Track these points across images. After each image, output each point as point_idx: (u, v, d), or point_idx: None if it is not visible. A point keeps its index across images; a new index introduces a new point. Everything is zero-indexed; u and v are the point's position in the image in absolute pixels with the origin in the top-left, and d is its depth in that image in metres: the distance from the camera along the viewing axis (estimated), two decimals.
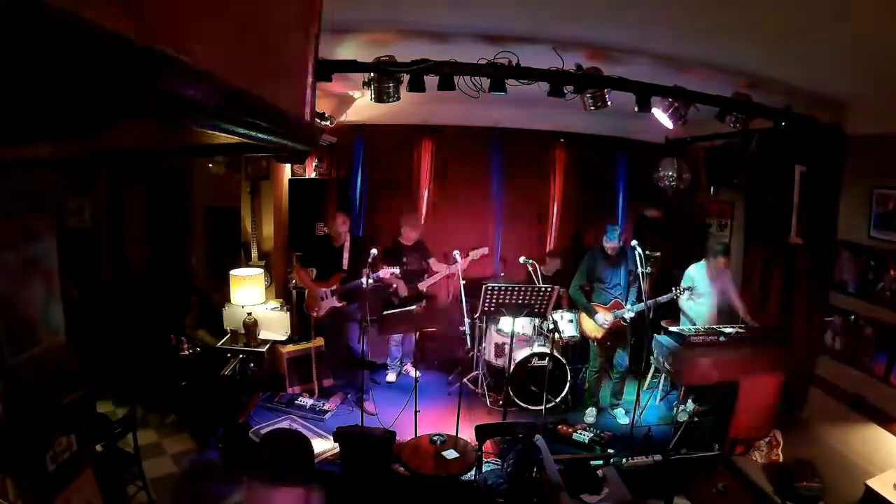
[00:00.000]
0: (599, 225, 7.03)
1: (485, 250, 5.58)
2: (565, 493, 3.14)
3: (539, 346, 5.31)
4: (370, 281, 4.95)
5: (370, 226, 6.57)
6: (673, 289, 4.93)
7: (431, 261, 5.72)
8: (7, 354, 2.50)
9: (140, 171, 5.72)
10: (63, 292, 2.88)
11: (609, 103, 3.74)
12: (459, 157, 6.63)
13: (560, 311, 5.61)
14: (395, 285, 5.45)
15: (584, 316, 5.11)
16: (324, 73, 3.18)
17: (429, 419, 4.63)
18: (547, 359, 4.79)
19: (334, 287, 5.15)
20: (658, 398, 5.46)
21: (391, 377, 5.86)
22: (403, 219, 5.71)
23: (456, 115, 6.04)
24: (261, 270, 5.51)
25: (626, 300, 4.94)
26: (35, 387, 2.66)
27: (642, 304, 4.84)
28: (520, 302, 4.55)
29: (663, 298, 4.94)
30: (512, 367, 4.95)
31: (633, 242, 4.79)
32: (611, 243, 4.93)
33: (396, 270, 5.19)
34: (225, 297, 5.47)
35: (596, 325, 4.97)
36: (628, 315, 4.89)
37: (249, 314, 5.29)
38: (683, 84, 3.83)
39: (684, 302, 5.18)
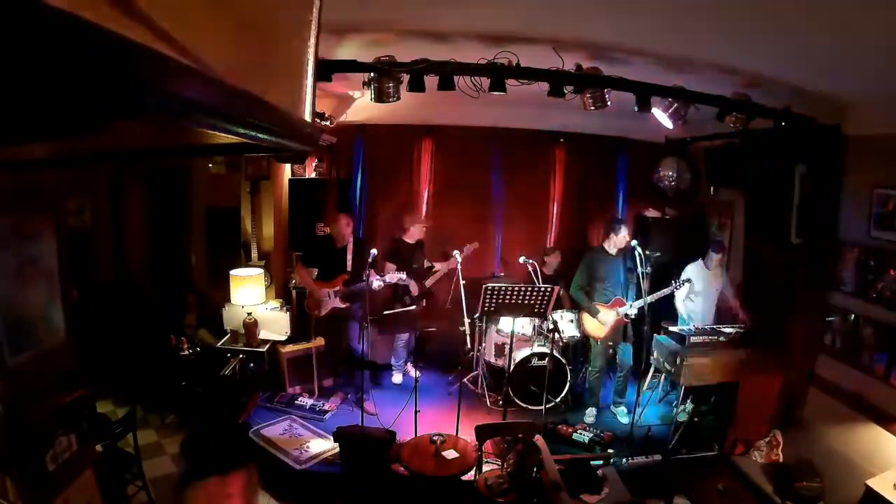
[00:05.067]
0: (600, 225, 7.07)
1: (475, 245, 5.60)
2: (565, 493, 3.14)
3: (539, 346, 5.31)
4: (380, 284, 4.96)
5: (370, 226, 6.57)
6: (673, 281, 4.93)
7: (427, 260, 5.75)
8: (7, 354, 2.50)
9: (140, 171, 5.72)
10: (63, 292, 2.88)
11: (609, 103, 3.75)
12: (459, 157, 6.62)
13: (560, 311, 5.61)
14: (408, 285, 5.47)
15: (586, 316, 5.11)
16: (324, 73, 3.19)
17: (429, 419, 4.63)
18: (547, 359, 4.79)
19: (337, 288, 5.14)
20: (658, 398, 5.46)
21: (397, 378, 5.84)
22: (409, 218, 5.70)
23: (456, 115, 6.04)
24: (261, 270, 5.51)
25: (626, 298, 4.94)
26: (35, 387, 2.65)
27: (648, 297, 4.87)
28: (520, 302, 4.55)
29: (663, 292, 4.95)
30: (512, 367, 4.95)
31: (633, 242, 4.80)
32: (619, 237, 4.90)
33: (404, 276, 5.19)
34: (225, 297, 5.47)
35: (598, 323, 4.97)
36: (631, 311, 4.88)
37: (249, 314, 5.29)
38: (683, 84, 3.84)
39: (680, 302, 5.19)
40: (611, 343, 5.12)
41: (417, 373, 4.83)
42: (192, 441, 2.46)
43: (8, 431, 2.43)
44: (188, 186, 5.99)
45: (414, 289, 5.49)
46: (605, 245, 4.99)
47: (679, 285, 4.89)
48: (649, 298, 4.84)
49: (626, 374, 5.25)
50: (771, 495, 4.02)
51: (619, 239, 4.91)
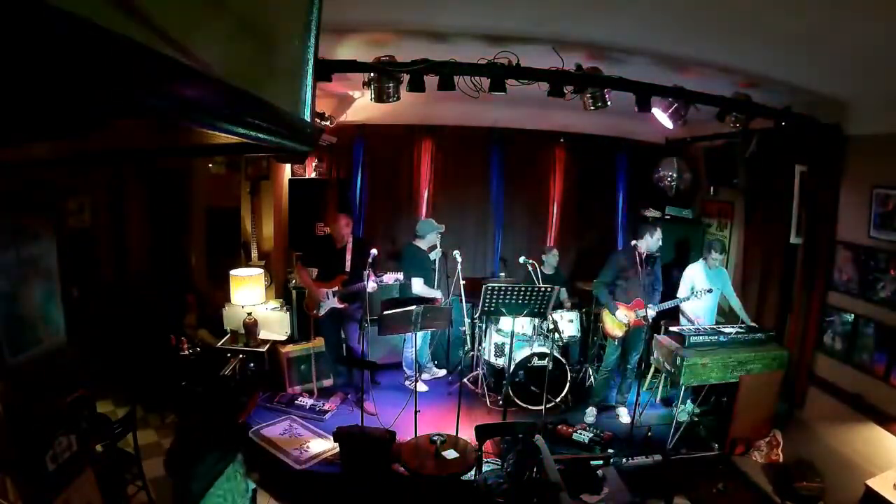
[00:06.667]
0: (599, 225, 7.07)
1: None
2: (565, 494, 3.14)
3: (539, 346, 5.30)
4: (375, 286, 4.95)
5: (370, 226, 6.58)
6: (694, 289, 4.93)
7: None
8: (7, 354, 2.50)
9: (140, 171, 5.72)
10: (63, 292, 2.88)
11: (609, 103, 3.75)
12: (459, 157, 6.63)
13: (560, 311, 5.60)
14: (435, 296, 5.44)
15: (605, 313, 5.07)
16: (324, 73, 3.19)
17: (429, 419, 4.63)
18: (547, 359, 4.79)
19: (336, 289, 5.14)
20: (658, 398, 5.46)
21: (422, 387, 5.46)
22: (425, 223, 5.54)
23: (456, 115, 6.04)
24: (261, 270, 5.51)
25: (648, 300, 4.89)
26: (35, 387, 2.66)
27: (665, 303, 4.92)
28: (520, 302, 4.55)
29: (679, 300, 4.95)
30: (512, 367, 4.95)
31: (633, 242, 4.78)
32: (654, 238, 4.83)
33: (400, 276, 5.19)
34: (225, 297, 5.47)
35: (617, 322, 4.94)
36: (651, 314, 4.85)
37: (249, 314, 5.29)
38: (683, 84, 3.84)
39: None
40: (626, 342, 5.09)
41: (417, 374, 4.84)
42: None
43: (8, 431, 2.43)
44: (188, 186, 5.99)
45: (439, 298, 5.45)
46: (638, 245, 4.88)
47: (700, 293, 4.85)
48: (669, 304, 4.91)
49: (629, 374, 5.24)
50: (771, 495, 4.02)
51: (654, 241, 4.85)
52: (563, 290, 5.82)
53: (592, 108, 3.78)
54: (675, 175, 6.18)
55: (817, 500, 3.90)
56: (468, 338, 5.66)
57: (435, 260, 5.62)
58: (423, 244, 5.51)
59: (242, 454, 2.72)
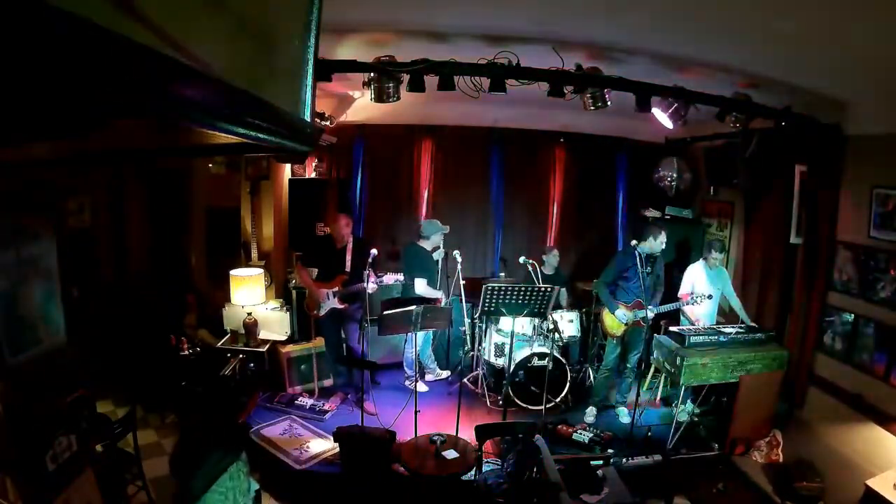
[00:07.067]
0: (599, 225, 7.07)
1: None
2: (565, 494, 3.14)
3: (539, 346, 5.30)
4: (375, 286, 4.95)
5: (370, 226, 6.58)
6: (694, 294, 4.92)
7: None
8: (7, 354, 2.50)
9: (140, 171, 5.72)
10: (63, 292, 2.88)
11: (609, 103, 3.75)
12: (459, 157, 6.63)
13: (560, 310, 5.60)
14: (440, 298, 5.41)
15: (605, 312, 5.07)
16: (324, 73, 3.19)
17: (429, 419, 4.63)
18: (547, 359, 4.79)
19: (336, 289, 5.14)
20: (658, 398, 5.46)
21: (422, 387, 5.46)
22: (429, 224, 5.49)
23: (456, 115, 6.04)
24: (261, 270, 5.51)
25: (648, 302, 4.87)
26: (35, 387, 2.66)
27: (665, 306, 4.91)
28: (520, 302, 4.55)
29: (678, 304, 4.95)
30: (512, 367, 4.94)
31: (633, 242, 4.78)
32: (657, 241, 4.81)
33: (400, 277, 5.18)
34: (225, 297, 5.46)
35: (616, 321, 4.94)
36: (650, 314, 4.84)
37: (249, 314, 5.29)
38: (683, 84, 3.84)
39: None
40: (625, 341, 5.08)
41: (417, 374, 4.83)
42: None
43: (8, 431, 2.43)
44: (188, 186, 5.99)
45: (441, 298, 5.45)
46: (640, 247, 4.82)
47: (699, 299, 4.84)
48: (669, 307, 4.91)
49: (629, 374, 5.24)
50: (771, 495, 4.02)
51: (657, 244, 4.82)
52: (563, 290, 5.82)
53: (592, 108, 3.78)
54: (675, 175, 6.19)
55: (817, 500, 3.90)
56: (468, 338, 5.66)
57: (438, 261, 5.61)
58: (427, 245, 5.48)
59: (246, 453, 2.72)
